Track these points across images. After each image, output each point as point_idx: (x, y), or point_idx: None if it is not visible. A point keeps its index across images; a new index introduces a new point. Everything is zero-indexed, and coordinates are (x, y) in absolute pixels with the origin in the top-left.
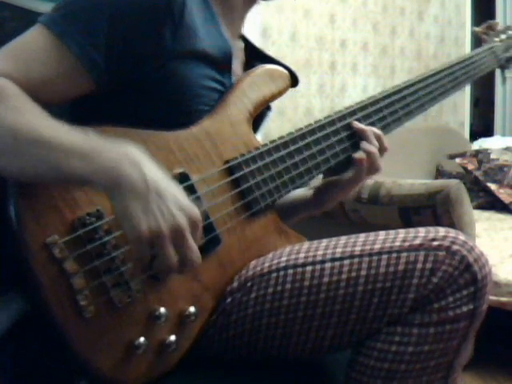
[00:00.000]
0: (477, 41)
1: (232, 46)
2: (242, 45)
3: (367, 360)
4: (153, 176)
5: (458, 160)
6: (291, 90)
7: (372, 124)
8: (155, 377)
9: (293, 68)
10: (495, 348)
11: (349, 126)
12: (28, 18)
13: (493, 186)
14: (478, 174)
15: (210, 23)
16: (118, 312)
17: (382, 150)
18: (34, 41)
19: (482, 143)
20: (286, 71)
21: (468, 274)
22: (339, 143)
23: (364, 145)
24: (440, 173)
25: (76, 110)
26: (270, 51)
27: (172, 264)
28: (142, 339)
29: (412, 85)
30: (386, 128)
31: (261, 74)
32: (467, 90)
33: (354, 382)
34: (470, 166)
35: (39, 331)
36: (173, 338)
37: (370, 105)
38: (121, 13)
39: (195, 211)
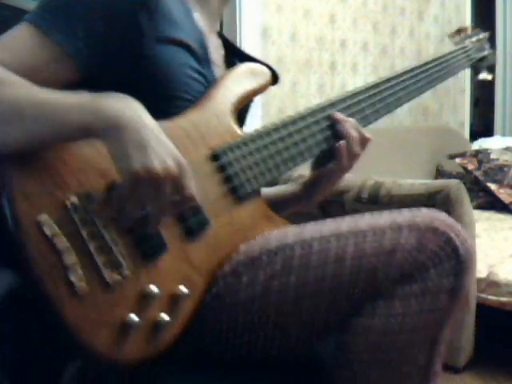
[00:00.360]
0: None
1: (207, 38)
2: (219, 41)
3: (352, 337)
4: (149, 121)
5: (457, 160)
6: (291, 90)
7: (351, 115)
8: (149, 356)
9: (292, 67)
10: (495, 348)
11: (329, 117)
12: None
13: (493, 186)
14: (477, 173)
15: (184, 15)
16: (110, 289)
17: (364, 139)
18: (19, 36)
19: (482, 143)
20: (266, 69)
21: (449, 248)
22: (320, 132)
23: (342, 130)
24: (440, 173)
25: None
26: (270, 51)
27: (164, 205)
28: (134, 317)
29: (388, 80)
30: (364, 119)
31: (243, 71)
32: (467, 89)
33: (341, 360)
34: (470, 166)
35: (32, 310)
36: (165, 317)
37: (349, 98)
38: (98, 2)
39: (183, 160)
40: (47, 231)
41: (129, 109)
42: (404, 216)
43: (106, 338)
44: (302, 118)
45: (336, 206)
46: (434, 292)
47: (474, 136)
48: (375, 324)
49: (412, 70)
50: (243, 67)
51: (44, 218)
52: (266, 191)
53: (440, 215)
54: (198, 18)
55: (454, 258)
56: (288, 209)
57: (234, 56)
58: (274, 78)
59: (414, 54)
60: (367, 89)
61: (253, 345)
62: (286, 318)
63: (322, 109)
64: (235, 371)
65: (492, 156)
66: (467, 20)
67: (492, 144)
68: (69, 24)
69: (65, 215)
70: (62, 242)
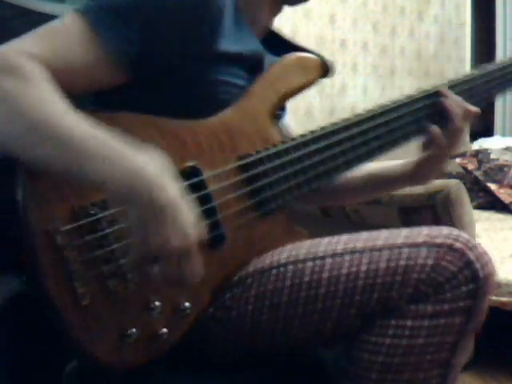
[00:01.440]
0: (477, 41)
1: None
2: None
3: (362, 354)
4: (162, 198)
5: (458, 160)
6: None
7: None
8: (145, 363)
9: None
10: (495, 348)
11: (374, 128)
12: (29, 17)
13: (493, 186)
14: (478, 173)
15: (240, 26)
16: (114, 301)
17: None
18: (69, 28)
19: (482, 143)
20: (317, 59)
21: (469, 271)
22: (365, 144)
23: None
24: None
25: (100, 95)
26: None
27: (169, 281)
28: (134, 329)
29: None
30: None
31: (291, 62)
32: None
33: (351, 376)
34: (470, 166)
35: (33, 314)
36: (165, 330)
37: (400, 107)
38: (158, 8)
39: (192, 239)
40: (58, 241)
41: (142, 182)
42: (423, 235)
43: (105, 347)
44: (347, 127)
45: (336, 206)
46: (448, 314)
47: (474, 136)
48: (385, 343)
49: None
50: (291, 58)
51: (56, 226)
52: (369, 167)
53: (461, 236)
54: (251, 28)
55: (472, 282)
56: (393, 188)
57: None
58: (326, 70)
59: (414, 54)
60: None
61: (257, 350)
62: (293, 329)
63: (368, 118)
64: (235, 371)
65: (492, 156)
66: (467, 20)
67: (492, 144)
68: (125, 27)
69: (77, 224)
70: (71, 253)
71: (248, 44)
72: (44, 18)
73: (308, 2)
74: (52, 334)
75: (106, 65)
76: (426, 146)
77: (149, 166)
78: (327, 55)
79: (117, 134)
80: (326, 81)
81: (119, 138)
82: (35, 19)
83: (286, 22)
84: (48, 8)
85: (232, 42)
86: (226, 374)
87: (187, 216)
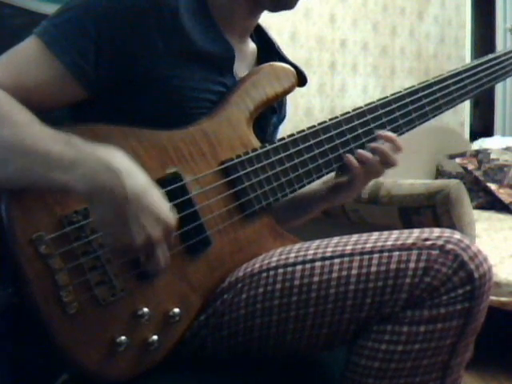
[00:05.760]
0: (477, 41)
1: (234, 47)
2: (251, 48)
3: (359, 359)
4: (132, 187)
5: (457, 160)
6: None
7: (382, 126)
8: (138, 373)
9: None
10: (495, 348)
11: (354, 129)
12: (30, 16)
13: (493, 186)
14: (477, 174)
15: (208, 27)
16: (102, 309)
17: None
18: (25, 50)
19: (481, 143)
20: (292, 69)
21: (463, 272)
22: (343, 146)
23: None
24: (440, 173)
25: (75, 110)
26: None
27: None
28: (123, 337)
29: (429, 85)
30: (397, 131)
31: (265, 72)
32: None
33: (348, 381)
34: (470, 166)
35: (23, 324)
36: (155, 337)
37: (378, 107)
38: (108, 19)
39: (170, 222)
40: (42, 250)
41: (108, 173)
42: (414, 237)
43: (95, 357)
44: (325, 128)
45: (336, 205)
46: (445, 318)
47: (474, 136)
48: (381, 349)
49: (457, 73)
50: (265, 68)
51: (40, 236)
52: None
53: (453, 236)
54: (225, 27)
55: (468, 283)
56: (313, 209)
57: (270, 58)
58: (301, 80)
59: (414, 54)
60: (403, 96)
61: (247, 345)
62: (287, 334)
63: (348, 119)
64: (233, 372)
65: (492, 156)
66: (467, 20)
67: (492, 144)
68: (79, 44)
69: (61, 233)
70: (56, 262)
71: (217, 45)
72: (44, 18)
73: (308, 3)
74: (41, 347)
75: (64, 81)
76: (342, 173)
77: (106, 165)
78: (327, 55)
79: (77, 137)
80: (326, 81)
81: (79, 141)
82: (35, 19)
83: (286, 22)
84: (48, 8)
85: (198, 42)
86: (225, 376)
87: (150, 209)
